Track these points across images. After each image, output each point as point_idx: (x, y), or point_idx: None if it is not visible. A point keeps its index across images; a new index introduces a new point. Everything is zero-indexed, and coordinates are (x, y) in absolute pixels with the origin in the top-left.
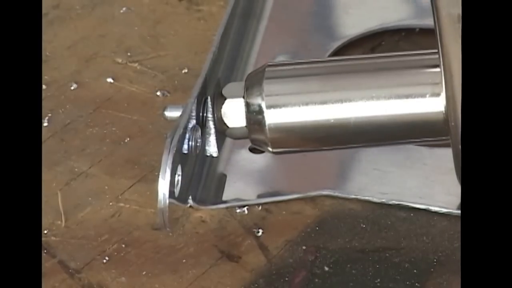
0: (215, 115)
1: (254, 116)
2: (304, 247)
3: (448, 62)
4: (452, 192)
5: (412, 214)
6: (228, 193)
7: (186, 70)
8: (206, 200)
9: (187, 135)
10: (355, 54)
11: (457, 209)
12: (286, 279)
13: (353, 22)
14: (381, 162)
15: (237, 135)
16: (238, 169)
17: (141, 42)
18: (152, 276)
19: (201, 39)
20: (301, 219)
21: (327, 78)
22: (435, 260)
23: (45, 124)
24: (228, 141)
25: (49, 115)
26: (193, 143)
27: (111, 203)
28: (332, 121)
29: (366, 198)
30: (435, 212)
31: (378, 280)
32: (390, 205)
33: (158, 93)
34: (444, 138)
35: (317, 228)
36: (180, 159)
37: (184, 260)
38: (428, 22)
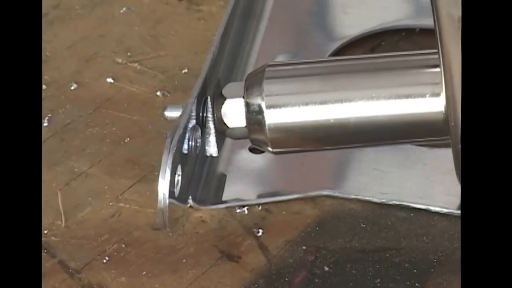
0: (215, 115)
1: (254, 116)
2: (304, 247)
3: (448, 62)
4: (452, 192)
5: (412, 214)
6: (228, 193)
7: (186, 70)
8: (206, 200)
9: (187, 135)
10: (355, 54)
11: (457, 209)
12: (286, 279)
13: (353, 22)
14: (381, 162)
15: (237, 135)
16: (238, 169)
17: (141, 42)
18: (152, 276)
19: (201, 39)
20: (301, 219)
21: (327, 78)
22: (435, 260)
23: (45, 124)
24: (228, 141)
25: (49, 115)
26: (193, 143)
27: (111, 203)
28: (332, 121)
29: (366, 198)
30: (435, 212)
31: (378, 280)
32: (390, 205)
33: (158, 93)
34: (444, 138)
35: (317, 228)
36: (180, 159)
37: (184, 260)
38: (428, 22)
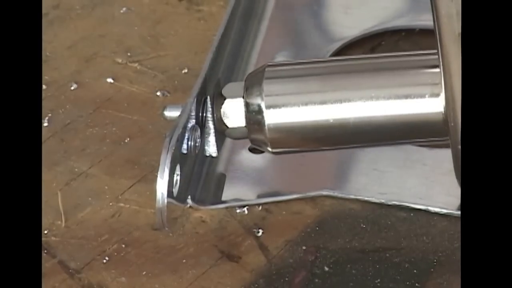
0: (215, 115)
1: (253, 116)
2: (304, 247)
3: (447, 62)
4: (451, 193)
5: (412, 214)
6: (228, 193)
7: (186, 70)
8: (206, 200)
9: (186, 135)
10: (355, 54)
11: (457, 210)
12: (286, 279)
13: (353, 22)
14: (381, 162)
15: (236, 135)
16: (238, 169)
17: (141, 42)
18: (152, 276)
19: (201, 39)
20: (301, 219)
21: (327, 78)
22: (435, 260)
23: (45, 124)
24: (228, 141)
25: (49, 115)
26: (192, 143)
27: (111, 203)
28: (332, 121)
29: (366, 198)
30: (435, 213)
31: (378, 280)
32: (390, 205)
33: (158, 93)
34: (443, 138)
35: (317, 228)
36: (179, 159)
37: (184, 260)
38: (428, 22)
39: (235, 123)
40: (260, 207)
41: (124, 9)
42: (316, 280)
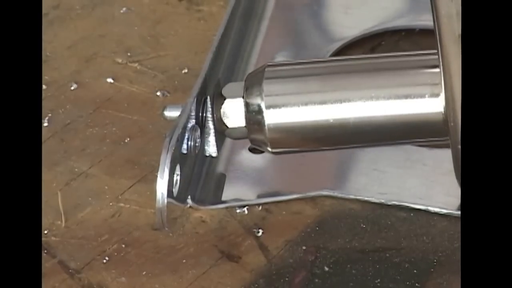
0: (215, 115)
1: (253, 116)
2: (304, 247)
3: (447, 62)
4: (451, 193)
5: (412, 214)
6: (228, 193)
7: (186, 70)
8: (205, 200)
9: (186, 135)
10: (355, 54)
11: (457, 210)
12: (286, 279)
13: (354, 22)
14: (381, 162)
15: (236, 135)
16: (238, 169)
17: (141, 42)
18: (152, 276)
19: (201, 39)
20: (301, 219)
21: (327, 78)
22: (435, 260)
23: (45, 124)
24: (228, 141)
25: (49, 115)
26: (192, 143)
27: (111, 203)
28: (332, 121)
29: (366, 198)
30: (435, 212)
31: (378, 280)
32: (390, 205)
33: (158, 93)
34: (443, 138)
35: (317, 228)
36: (179, 159)
37: (184, 260)
38: (428, 22)
39: (235, 123)
40: (260, 207)
41: (124, 9)
42: (316, 280)
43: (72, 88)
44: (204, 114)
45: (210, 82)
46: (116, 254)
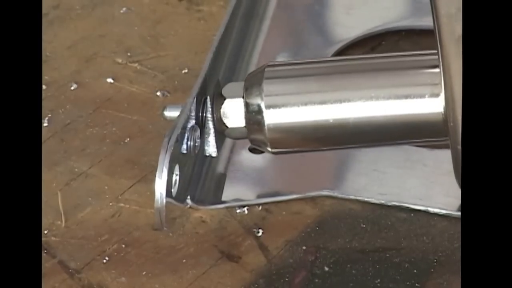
0: (215, 115)
1: (253, 116)
2: (304, 247)
3: (447, 62)
4: (451, 193)
5: (412, 215)
6: (228, 193)
7: (186, 70)
8: (205, 200)
9: (186, 135)
10: (355, 54)
11: (457, 210)
12: (286, 279)
13: (355, 22)
14: (381, 162)
15: (236, 135)
16: (238, 169)
17: (141, 42)
18: (152, 276)
19: (201, 39)
20: (301, 219)
21: (327, 78)
22: (435, 260)
23: (45, 124)
24: (228, 141)
25: (49, 115)
26: (192, 143)
27: (111, 203)
28: (331, 121)
29: (366, 199)
30: (435, 213)
31: (378, 280)
32: (390, 205)
33: (158, 93)
34: (443, 138)
35: (317, 228)
36: (178, 159)
37: (184, 260)
38: (428, 22)
39: (235, 123)
40: (260, 207)
41: (124, 9)
42: (316, 280)
43: (72, 88)
44: (204, 114)
45: (210, 82)
46: (116, 254)
